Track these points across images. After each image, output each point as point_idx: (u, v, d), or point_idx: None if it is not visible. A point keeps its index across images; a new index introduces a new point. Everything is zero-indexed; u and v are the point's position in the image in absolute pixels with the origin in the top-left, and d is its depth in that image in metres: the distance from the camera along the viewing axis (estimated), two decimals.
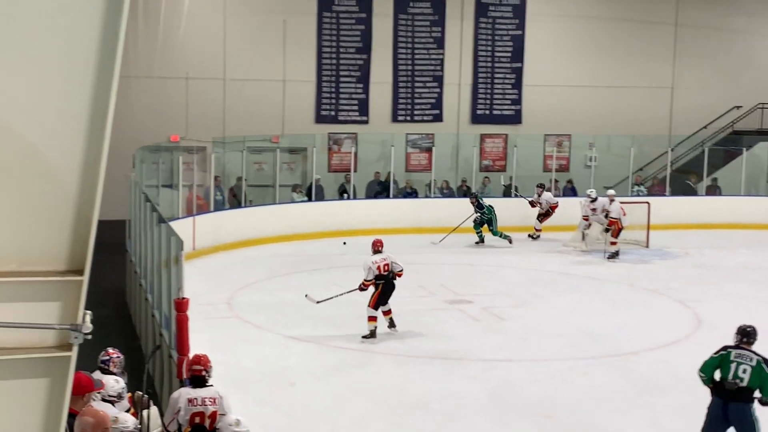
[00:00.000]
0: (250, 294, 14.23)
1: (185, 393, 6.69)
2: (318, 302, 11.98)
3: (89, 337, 2.77)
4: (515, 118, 24.31)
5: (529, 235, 19.65)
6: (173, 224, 10.45)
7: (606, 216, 17.59)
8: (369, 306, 11.49)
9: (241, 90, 22.04)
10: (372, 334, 11.43)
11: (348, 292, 11.93)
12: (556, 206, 19.65)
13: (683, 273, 16.56)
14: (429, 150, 22.81)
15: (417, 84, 23.53)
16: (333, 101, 22.98)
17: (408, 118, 23.58)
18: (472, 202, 18.97)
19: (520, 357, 11.03)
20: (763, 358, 7.40)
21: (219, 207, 18.84)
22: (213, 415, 6.60)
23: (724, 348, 7.57)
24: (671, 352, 11.10)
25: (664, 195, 22.17)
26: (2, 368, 2.75)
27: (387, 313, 11.68)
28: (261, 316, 12.68)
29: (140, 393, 6.75)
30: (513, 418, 9.00)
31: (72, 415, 4.24)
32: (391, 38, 23.22)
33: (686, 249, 18.65)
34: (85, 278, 2.72)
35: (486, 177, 22.68)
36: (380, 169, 22.06)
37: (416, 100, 23.60)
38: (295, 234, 18.82)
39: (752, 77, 25.29)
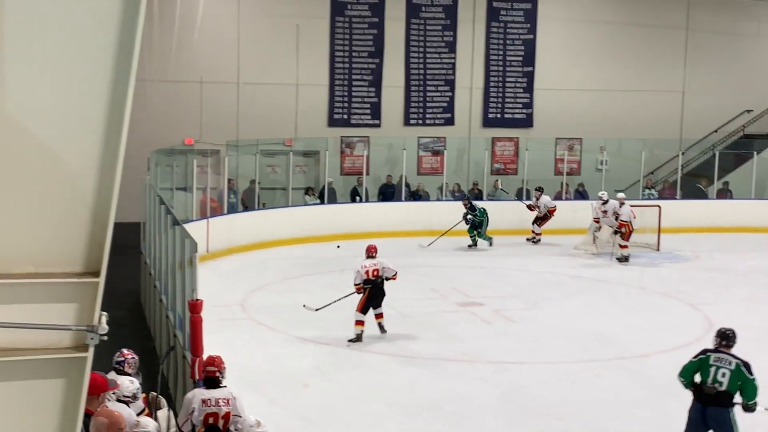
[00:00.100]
0: (263, 296, 14.30)
1: (199, 394, 6.73)
2: (316, 310, 12.04)
3: (105, 338, 2.80)
4: (526, 122, 24.37)
5: (528, 239, 19.69)
6: (187, 227, 10.46)
7: (616, 219, 17.61)
8: (356, 310, 11.49)
9: (255, 94, 22.15)
10: (358, 338, 11.42)
11: (345, 297, 11.89)
12: (554, 210, 19.67)
13: (694, 276, 16.59)
14: (440, 153, 22.87)
15: (429, 88, 23.60)
16: (345, 105, 23.07)
17: (420, 121, 23.65)
18: (464, 204, 19.03)
19: (531, 359, 11.06)
20: (743, 362, 7.32)
21: (232, 209, 18.93)
22: (226, 416, 6.62)
23: (704, 352, 7.50)
24: (681, 355, 10.94)
25: (675, 198, 22.18)
26: (20, 368, 2.78)
27: (378, 316, 11.67)
28: (274, 317, 12.71)
29: (154, 393, 6.82)
30: (523, 420, 9.03)
31: (87, 415, 4.30)
32: (404, 42, 23.29)
33: (697, 252, 18.67)
34: (102, 280, 2.75)
35: (497, 180, 22.74)
36: (392, 172, 22.11)
37: (428, 104, 23.66)
38: (307, 236, 18.94)
39: (762, 81, 25.30)
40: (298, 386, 9.89)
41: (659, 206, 19.14)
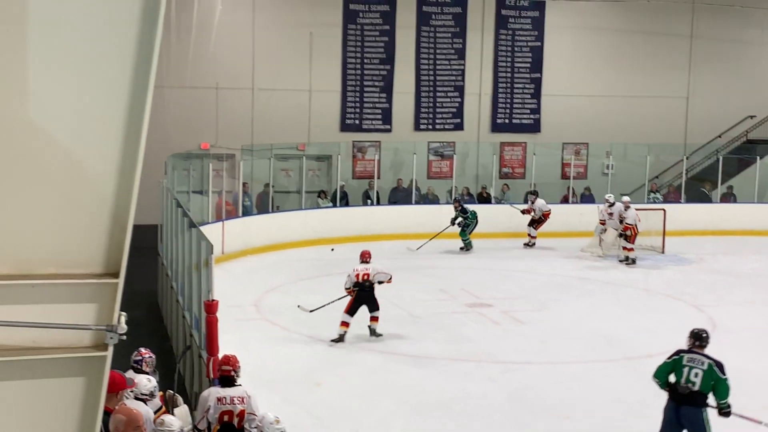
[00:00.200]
0: (276, 296, 14.34)
1: (215, 392, 6.78)
2: (311, 311, 12.19)
3: (124, 337, 2.82)
4: (534, 127, 24.50)
5: (525, 244, 19.57)
6: (203, 229, 10.48)
7: (621, 222, 17.74)
8: (344, 311, 11.56)
9: (269, 99, 22.35)
10: (340, 339, 11.45)
11: (339, 299, 11.91)
12: (549, 213, 19.47)
13: (698, 278, 16.66)
14: (450, 157, 23.05)
15: (438, 94, 23.75)
16: (357, 110, 23.26)
17: (430, 126, 23.80)
18: (455, 207, 19.04)
19: (539, 359, 11.08)
20: (715, 362, 7.34)
21: (247, 212, 19.01)
22: (241, 414, 6.66)
23: (677, 352, 7.52)
24: None
25: (680, 202, 22.22)
26: (41, 367, 2.80)
27: (373, 319, 11.74)
28: (287, 317, 12.72)
29: (171, 391, 6.92)
30: (531, 420, 9.07)
31: (106, 413, 4.40)
32: (414, 49, 23.46)
33: (701, 255, 18.73)
34: (121, 281, 2.77)
35: (505, 184, 22.93)
36: (402, 176, 22.28)
37: (438, 110, 23.81)
38: (320, 238, 19.00)
39: (766, 88, 25.34)
40: (310, 385, 9.96)
41: (664, 210, 19.26)
